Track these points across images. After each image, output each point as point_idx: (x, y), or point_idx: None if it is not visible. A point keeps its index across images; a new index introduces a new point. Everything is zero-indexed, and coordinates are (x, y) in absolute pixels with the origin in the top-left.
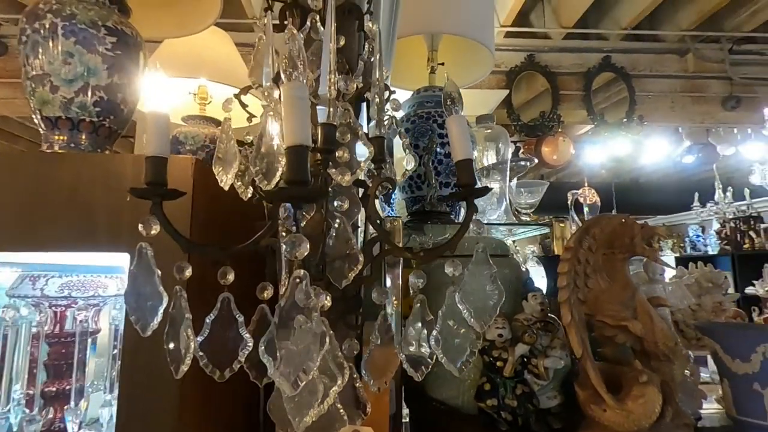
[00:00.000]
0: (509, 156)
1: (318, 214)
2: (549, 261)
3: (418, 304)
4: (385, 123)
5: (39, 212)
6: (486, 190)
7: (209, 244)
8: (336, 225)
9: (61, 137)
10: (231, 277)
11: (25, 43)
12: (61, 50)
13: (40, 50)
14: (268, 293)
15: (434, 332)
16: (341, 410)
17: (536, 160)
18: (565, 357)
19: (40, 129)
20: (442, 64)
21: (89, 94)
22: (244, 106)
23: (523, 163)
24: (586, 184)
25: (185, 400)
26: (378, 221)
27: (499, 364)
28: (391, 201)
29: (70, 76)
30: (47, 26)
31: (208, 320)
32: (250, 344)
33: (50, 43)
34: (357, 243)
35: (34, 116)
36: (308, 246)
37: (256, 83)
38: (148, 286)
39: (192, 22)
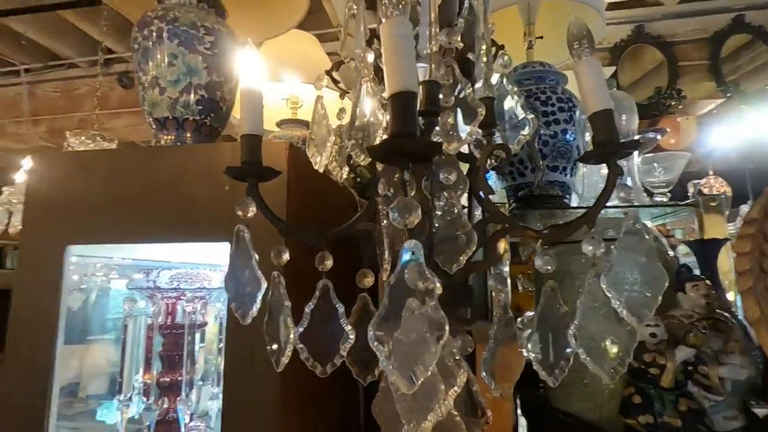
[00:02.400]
0: (635, 126)
1: (419, 193)
2: (702, 246)
3: (549, 292)
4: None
5: (146, 204)
6: (635, 145)
7: (306, 229)
8: (443, 201)
9: (169, 137)
10: (329, 263)
11: (137, 51)
12: (167, 53)
13: (150, 55)
14: (369, 281)
15: (572, 328)
16: (457, 418)
17: (668, 131)
18: (747, 365)
19: (151, 131)
20: (541, 37)
21: (192, 93)
22: (336, 82)
23: (652, 135)
24: (711, 172)
25: (287, 395)
26: (490, 197)
27: (652, 371)
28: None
29: (174, 77)
30: (154, 32)
31: (307, 309)
32: (352, 337)
33: (157, 48)
34: (470, 225)
35: (147, 119)
36: (420, 213)
37: (347, 57)
38: (246, 270)
39: (281, 21)
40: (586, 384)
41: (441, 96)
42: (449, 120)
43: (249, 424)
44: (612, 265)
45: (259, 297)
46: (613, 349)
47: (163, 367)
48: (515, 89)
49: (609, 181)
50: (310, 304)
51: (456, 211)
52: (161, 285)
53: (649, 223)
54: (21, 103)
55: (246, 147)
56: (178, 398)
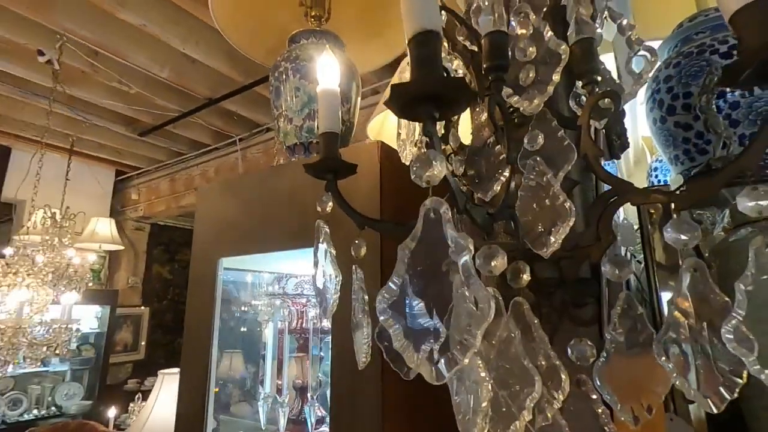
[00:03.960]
0: None
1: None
2: None
3: (688, 274)
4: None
5: (270, 218)
6: None
7: (384, 221)
8: (526, 169)
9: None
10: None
11: (272, 92)
12: (292, 87)
13: (280, 93)
14: None
15: (731, 324)
16: None
17: None
18: None
19: (287, 158)
20: None
21: (314, 118)
22: None
23: None
24: None
25: (387, 401)
26: (600, 156)
27: None
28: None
29: (299, 107)
30: (282, 72)
31: (385, 305)
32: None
33: (285, 85)
34: (565, 196)
35: (283, 148)
36: (443, 168)
37: None
38: (327, 265)
39: (394, 46)
40: None
41: (520, 48)
42: (530, 74)
43: (354, 425)
44: None
45: (333, 290)
46: None
47: (297, 369)
48: (625, 22)
49: None
50: (388, 298)
51: (545, 181)
52: (289, 291)
53: None
54: (237, 165)
55: (324, 144)
56: (307, 402)
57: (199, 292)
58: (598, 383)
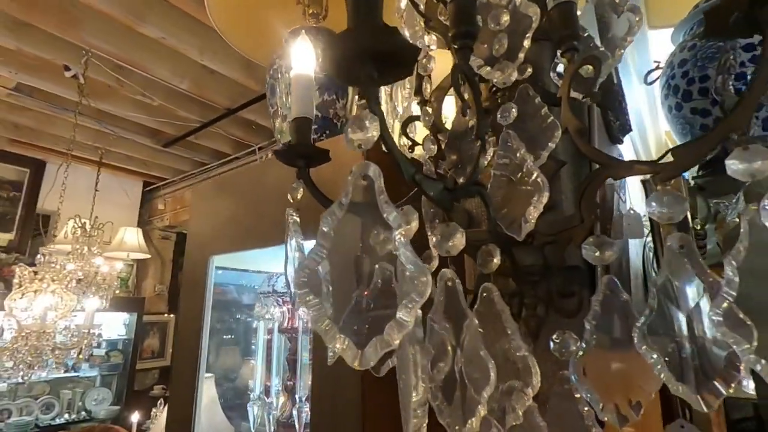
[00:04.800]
0: None
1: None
2: None
3: (677, 251)
4: None
5: (258, 214)
6: None
7: None
8: (499, 145)
9: None
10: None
11: (268, 89)
12: (286, 84)
13: (275, 90)
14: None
15: (723, 305)
16: None
17: None
18: None
19: None
20: None
21: None
22: None
23: None
24: None
25: (368, 402)
26: (583, 131)
27: None
28: None
29: (291, 103)
30: (277, 69)
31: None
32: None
33: (279, 82)
34: (539, 171)
35: (279, 145)
36: (377, 131)
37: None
38: (299, 254)
39: None
40: None
41: (493, 16)
42: (504, 43)
43: (334, 425)
44: None
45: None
46: None
47: (289, 371)
48: None
49: (764, 52)
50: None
51: (519, 157)
52: (278, 289)
53: None
54: None
55: (295, 130)
56: (295, 404)
57: (191, 292)
58: (575, 378)
